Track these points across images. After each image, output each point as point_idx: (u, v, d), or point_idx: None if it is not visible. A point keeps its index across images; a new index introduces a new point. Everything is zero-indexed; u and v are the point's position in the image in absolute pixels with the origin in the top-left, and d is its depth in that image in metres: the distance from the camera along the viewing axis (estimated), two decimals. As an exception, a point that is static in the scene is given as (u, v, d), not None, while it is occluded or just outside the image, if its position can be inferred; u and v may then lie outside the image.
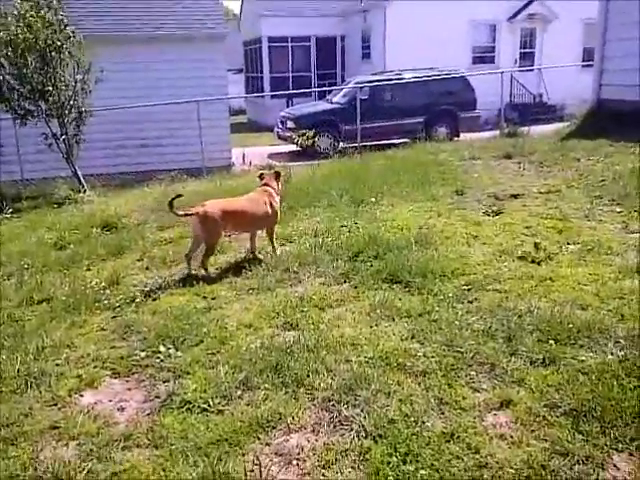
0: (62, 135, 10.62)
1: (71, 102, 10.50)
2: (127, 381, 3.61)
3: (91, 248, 6.47)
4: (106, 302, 4.84)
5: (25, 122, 10.41)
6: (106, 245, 6.49)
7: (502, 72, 16.31)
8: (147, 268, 5.69)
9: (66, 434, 3.08)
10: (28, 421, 3.23)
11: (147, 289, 5.00)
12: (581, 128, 11.47)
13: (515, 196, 7.12)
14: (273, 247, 5.66)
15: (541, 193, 7.20)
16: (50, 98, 10.25)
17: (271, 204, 5.56)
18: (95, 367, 3.78)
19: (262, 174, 5.99)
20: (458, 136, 15.20)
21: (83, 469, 2.76)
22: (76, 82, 10.44)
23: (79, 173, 11.02)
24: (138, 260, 5.97)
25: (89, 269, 5.86)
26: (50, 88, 10.13)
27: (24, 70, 10.05)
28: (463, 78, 16.23)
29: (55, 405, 3.38)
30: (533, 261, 4.91)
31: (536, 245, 5.16)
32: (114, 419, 3.20)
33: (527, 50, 21.73)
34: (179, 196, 5.46)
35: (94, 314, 4.66)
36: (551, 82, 19.65)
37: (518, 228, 5.87)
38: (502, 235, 5.68)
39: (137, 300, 4.81)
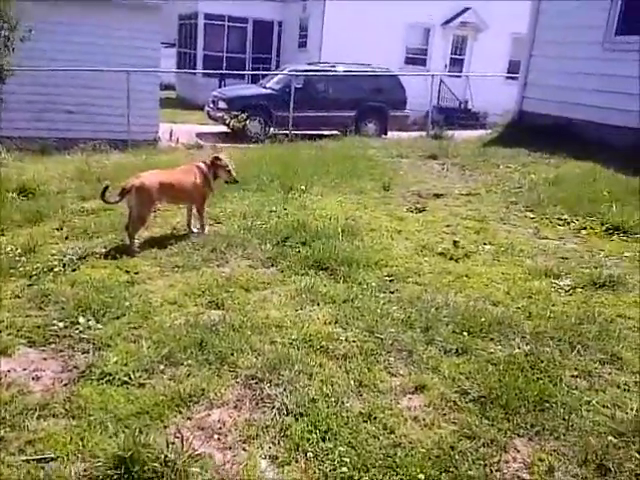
0: (-21, 92, 9.98)
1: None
2: (43, 351, 3.50)
3: (5, 213, 6.16)
4: (22, 269, 4.65)
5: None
6: (22, 211, 6.20)
7: (432, 75, 16.84)
8: (67, 238, 5.49)
9: (-24, 402, 2.96)
10: None
11: (66, 259, 4.81)
12: (502, 137, 12.04)
13: (438, 195, 7.41)
14: (202, 224, 5.62)
15: (462, 195, 7.54)
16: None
17: (204, 178, 5.57)
18: (9, 335, 3.64)
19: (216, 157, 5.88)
20: (386, 133, 15.55)
21: (-5, 436, 2.68)
22: (1, 38, 9.82)
23: (-5, 134, 10.40)
24: (57, 229, 5.74)
25: (3, 234, 5.59)
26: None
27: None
28: (395, 77, 16.59)
29: (-36, 372, 3.24)
30: (451, 258, 5.17)
31: (455, 243, 5.42)
32: (29, 388, 3.11)
33: (457, 56, 22.48)
34: (107, 187, 5.27)
35: (8, 281, 4.46)
36: (477, 90, 20.42)
37: (439, 226, 6.13)
38: (424, 231, 5.91)
39: (55, 270, 4.63)
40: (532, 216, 6.64)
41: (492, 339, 3.72)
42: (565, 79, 11.02)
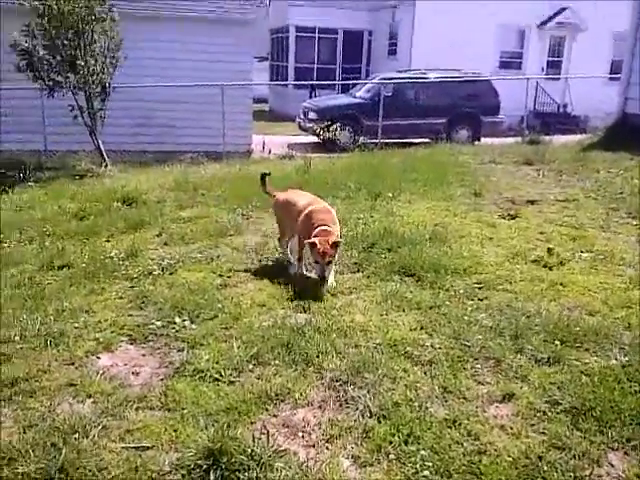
0: (87, 109, 10.76)
1: (99, 76, 10.63)
2: (142, 347, 3.73)
3: (111, 220, 6.61)
4: (124, 273, 4.96)
5: (53, 94, 10.55)
6: (126, 219, 6.62)
7: (528, 79, 16.28)
8: (165, 244, 5.81)
9: (82, 392, 3.20)
10: (46, 377, 3.35)
11: (165, 263, 5.10)
12: (603, 140, 11.46)
13: (532, 202, 7.17)
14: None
15: (558, 201, 7.25)
16: (79, 71, 10.37)
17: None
18: (112, 332, 3.90)
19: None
20: (479, 140, 15.22)
21: (98, 424, 2.88)
22: (105, 57, 10.57)
23: (102, 148, 11.18)
24: (157, 235, 6.09)
25: (108, 240, 5.99)
26: (80, 61, 10.25)
27: (56, 41, 10.18)
28: (488, 82, 16.22)
29: (72, 364, 3.50)
30: (545, 265, 4.98)
31: (549, 250, 5.22)
32: (129, 381, 3.32)
33: (555, 58, 21.64)
34: (267, 174, 5.60)
35: (112, 283, 4.78)
36: (577, 93, 19.55)
37: (533, 233, 5.93)
38: (516, 238, 5.74)
39: (155, 273, 4.92)
40: (635, 223, 6.27)
41: (587, 349, 3.55)
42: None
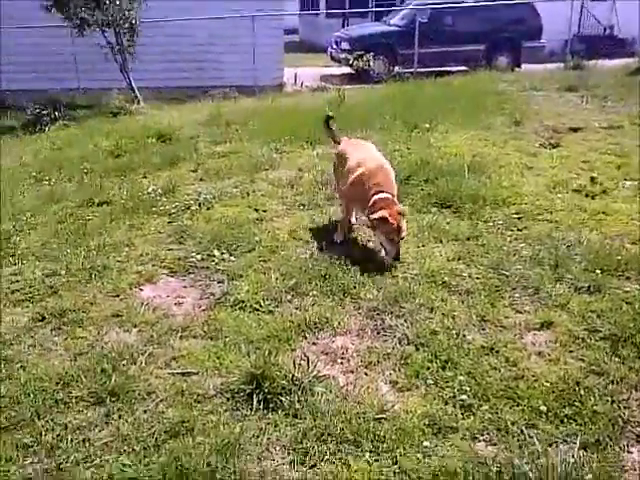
0: (117, 45, 10.66)
1: (125, 13, 10.45)
2: (183, 280, 3.82)
3: (147, 157, 6.65)
4: (162, 208, 5.04)
5: (82, 32, 10.45)
6: (161, 155, 6.65)
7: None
8: (201, 179, 5.84)
9: (128, 322, 3.33)
10: (93, 308, 3.49)
11: (201, 198, 5.14)
12: (652, 64, 10.87)
13: (575, 130, 6.91)
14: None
15: (602, 128, 6.97)
16: (105, 7, 10.21)
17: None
18: (153, 265, 4.01)
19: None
20: (520, 67, 14.57)
21: (144, 352, 3.01)
22: (132, -8, 10.37)
23: (134, 85, 11.12)
24: (192, 171, 6.12)
25: (145, 177, 6.06)
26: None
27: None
28: (529, 4, 15.33)
29: (117, 296, 3.63)
30: (587, 195, 4.85)
31: (592, 179, 5.07)
32: (172, 312, 3.43)
33: (602, -23, 20.27)
34: (332, 117, 4.81)
35: (151, 218, 4.87)
36: (624, 14, 18.39)
37: (575, 162, 5.75)
38: (558, 168, 5.58)
39: (192, 208, 4.98)
40: (684, 149, 6.01)
41: (628, 278, 3.50)
42: None
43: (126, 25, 10.56)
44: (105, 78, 11.12)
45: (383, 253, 3.87)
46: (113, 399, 2.67)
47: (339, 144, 4.62)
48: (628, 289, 3.37)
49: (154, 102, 10.88)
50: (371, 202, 3.82)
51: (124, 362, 2.92)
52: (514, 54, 14.95)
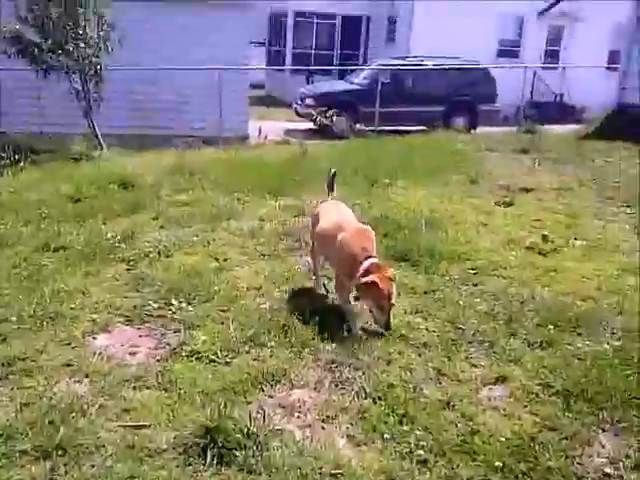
0: (83, 91, 10.68)
1: (92, 59, 10.52)
2: (139, 329, 3.75)
3: (107, 203, 6.57)
4: (121, 255, 4.96)
5: (46, 75, 10.44)
6: (122, 202, 6.59)
7: (525, 67, 16.22)
8: (162, 227, 5.80)
9: (79, 371, 3.22)
10: (43, 357, 3.37)
11: (161, 246, 5.09)
12: (599, 130, 11.49)
13: (527, 190, 7.20)
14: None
15: (553, 189, 7.29)
16: (71, 53, 10.26)
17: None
18: (109, 313, 3.92)
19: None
20: (476, 128, 15.18)
21: (95, 403, 2.90)
22: (98, 39, 10.46)
23: (97, 131, 11.10)
24: (153, 219, 6.07)
25: (105, 223, 5.96)
26: (69, 45, 10.14)
27: (46, 24, 10.06)
28: (485, 70, 16.13)
29: (69, 345, 3.52)
30: (540, 252, 5.03)
31: (544, 237, 5.26)
32: (125, 362, 3.34)
33: (553, 48, 21.54)
34: (334, 174, 4.54)
35: (109, 265, 4.78)
36: (574, 83, 19.48)
37: (527, 220, 5.97)
38: (511, 225, 5.78)
39: (151, 256, 4.92)
40: (629, 212, 6.33)
41: (579, 334, 3.61)
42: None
43: (92, 71, 10.62)
44: (69, 123, 11.06)
45: (373, 322, 3.62)
46: (60, 453, 2.55)
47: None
48: (580, 345, 3.47)
49: (118, 148, 10.85)
50: (363, 267, 3.51)
51: (73, 414, 2.81)
52: (471, 116, 15.61)
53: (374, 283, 3.42)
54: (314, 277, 4.36)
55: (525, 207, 6.43)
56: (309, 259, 4.52)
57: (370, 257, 3.59)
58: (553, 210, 6.34)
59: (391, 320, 3.54)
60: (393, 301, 3.53)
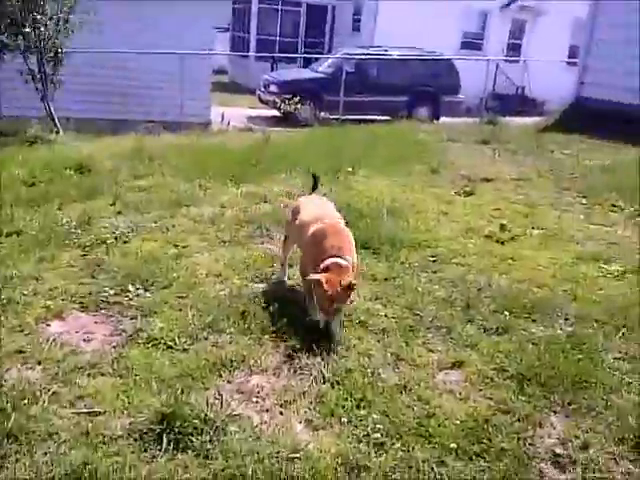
0: (38, 73, 10.35)
1: (50, 41, 10.21)
2: (94, 315, 3.66)
3: (63, 188, 6.40)
4: (76, 241, 4.83)
5: (1, 56, 10.10)
6: (78, 187, 6.43)
7: (488, 60, 16.45)
8: (119, 212, 5.68)
9: (32, 358, 3.14)
10: (-6, 344, 3.27)
11: (118, 232, 4.98)
12: (558, 123, 11.73)
13: (487, 180, 7.31)
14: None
15: (513, 179, 7.41)
16: (28, 34, 9.93)
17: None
18: (63, 300, 3.82)
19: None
20: (438, 119, 15.35)
21: (48, 390, 2.83)
22: (58, 20, 10.16)
23: (54, 114, 10.79)
24: (111, 204, 5.93)
25: (60, 208, 5.80)
26: (27, 27, 9.81)
27: (3, 3, 9.71)
28: (449, 62, 16.31)
29: (22, 332, 3.42)
30: (498, 241, 5.11)
31: (502, 226, 5.35)
32: (80, 348, 3.27)
33: (515, 41, 21.89)
34: (317, 177, 4.50)
35: (63, 251, 4.65)
36: (535, 76, 19.85)
37: (487, 209, 6.06)
38: (471, 214, 5.86)
39: (108, 242, 4.81)
40: (584, 202, 6.48)
41: (534, 320, 3.69)
42: (627, 63, 10.61)
43: (50, 53, 10.30)
44: (25, 106, 10.73)
45: (318, 317, 3.43)
46: (11, 441, 2.48)
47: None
48: (534, 330, 3.55)
49: (75, 133, 10.56)
50: (323, 265, 3.37)
51: (25, 401, 2.73)
52: (434, 107, 15.78)
53: (319, 282, 3.29)
54: (281, 266, 4.27)
55: (485, 197, 6.53)
56: (280, 251, 4.35)
57: (336, 256, 3.40)
58: (512, 200, 6.45)
59: (335, 329, 3.38)
60: (338, 306, 3.34)
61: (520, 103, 19.43)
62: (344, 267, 3.38)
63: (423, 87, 15.58)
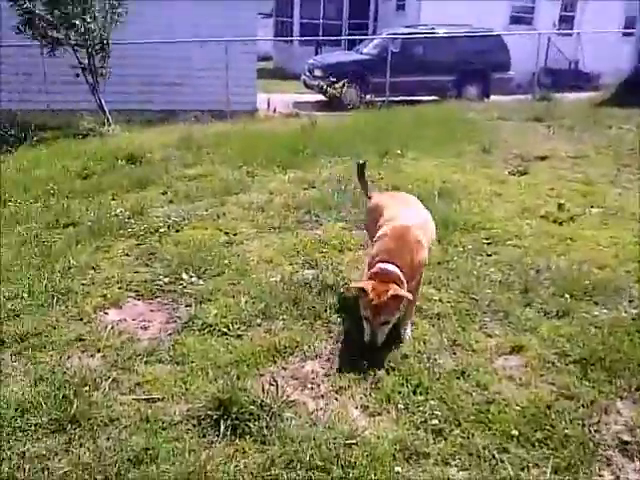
0: (89, 66, 10.57)
1: (98, 34, 10.39)
2: (150, 303, 3.73)
3: (116, 179, 6.55)
4: (130, 230, 4.94)
5: (54, 52, 10.35)
6: (131, 177, 6.56)
7: (539, 34, 15.84)
8: (171, 202, 5.77)
9: (91, 346, 3.22)
10: (55, 332, 3.36)
11: (170, 221, 5.07)
12: (615, 97, 11.25)
13: (542, 158, 7.08)
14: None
15: (569, 157, 7.16)
16: (78, 29, 10.14)
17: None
18: (119, 288, 3.91)
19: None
20: (488, 97, 14.91)
21: (108, 377, 2.90)
22: (105, 14, 10.32)
23: (104, 106, 11.01)
24: (162, 193, 6.04)
25: (114, 199, 5.94)
26: (78, 19, 10.01)
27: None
28: (498, 38, 15.77)
29: (81, 320, 3.52)
30: (555, 221, 4.94)
31: (560, 206, 5.17)
32: (137, 336, 3.33)
33: (567, 13, 21.02)
34: (363, 164, 4.02)
35: (118, 241, 4.76)
36: (589, 49, 19.04)
37: (542, 189, 5.86)
38: (526, 194, 5.68)
39: (161, 230, 4.90)
40: (647, 178, 6.19)
41: (596, 303, 3.54)
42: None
43: (98, 46, 10.50)
44: (75, 99, 11.01)
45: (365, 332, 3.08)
46: (74, 426, 2.55)
47: (370, 199, 3.87)
48: (596, 313, 3.41)
49: (125, 124, 10.77)
50: (371, 270, 3.10)
51: (87, 388, 2.81)
52: (483, 85, 15.31)
53: (363, 291, 3.00)
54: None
55: (540, 176, 6.32)
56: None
57: (388, 262, 3.05)
58: (569, 178, 6.22)
59: (378, 338, 3.02)
60: (381, 320, 2.99)
61: (574, 77, 18.67)
62: (392, 274, 3.01)
63: (472, 65, 15.13)
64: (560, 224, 4.88)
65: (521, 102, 12.00)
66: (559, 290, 3.65)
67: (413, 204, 3.69)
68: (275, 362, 3.02)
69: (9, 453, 2.40)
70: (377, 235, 3.31)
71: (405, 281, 3.04)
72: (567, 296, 3.57)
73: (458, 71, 14.93)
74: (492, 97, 14.75)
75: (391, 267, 3.03)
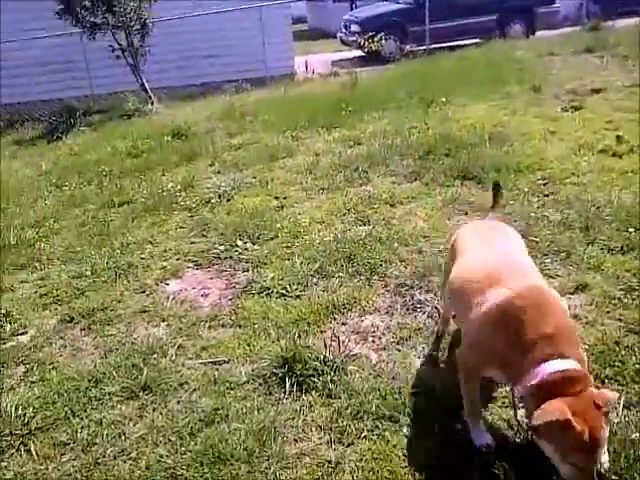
0: (128, 47, 10.67)
1: (136, 13, 10.43)
2: (208, 271, 3.81)
3: (164, 155, 6.66)
4: (183, 203, 5.03)
5: (94, 36, 10.48)
6: (178, 152, 6.65)
7: (585, -41, 14.94)
8: (219, 172, 5.82)
9: (156, 316, 3.33)
10: (120, 306, 3.49)
11: (221, 191, 5.13)
12: (673, 19, 10.53)
13: (597, 91, 6.74)
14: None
15: (625, 87, 6.78)
16: (116, 10, 10.21)
17: None
18: (178, 259, 4.00)
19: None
20: (534, 33, 14.23)
21: (174, 344, 3.00)
22: (142, -8, 10.35)
23: (146, 85, 11.13)
24: (210, 165, 6.10)
25: (164, 174, 6.05)
26: (116, 0, 10.08)
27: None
28: (541, -31, 14.96)
29: (143, 292, 3.63)
30: (614, 154, 4.72)
31: (618, 138, 4.93)
32: (199, 303, 3.41)
33: None
34: (498, 185, 2.97)
35: (172, 214, 4.86)
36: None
37: (599, 123, 5.59)
38: (581, 130, 5.43)
39: (212, 201, 4.96)
40: None
41: (664, 234, 3.38)
42: None
43: (137, 26, 10.56)
44: (117, 81, 11.18)
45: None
46: (146, 393, 2.66)
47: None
48: (664, 246, 3.25)
49: (168, 101, 10.89)
50: (539, 377, 1.80)
51: (154, 356, 2.92)
52: (528, 21, 14.58)
53: (567, 422, 1.69)
54: (435, 339, 2.79)
55: (595, 109, 6.02)
56: (438, 307, 3.01)
57: (556, 355, 1.82)
58: (625, 109, 5.89)
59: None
60: (603, 455, 1.80)
61: (625, 2, 17.55)
62: (580, 375, 1.80)
63: (514, 2, 14.44)
64: (620, 157, 4.65)
65: (569, 35, 11.40)
66: (622, 225, 3.50)
67: (512, 241, 2.47)
68: (335, 319, 3.04)
69: (87, 421, 2.52)
70: (484, 309, 2.01)
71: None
72: (631, 230, 3.42)
73: (500, 9, 14.25)
74: (538, 33, 14.06)
75: (570, 364, 1.81)
